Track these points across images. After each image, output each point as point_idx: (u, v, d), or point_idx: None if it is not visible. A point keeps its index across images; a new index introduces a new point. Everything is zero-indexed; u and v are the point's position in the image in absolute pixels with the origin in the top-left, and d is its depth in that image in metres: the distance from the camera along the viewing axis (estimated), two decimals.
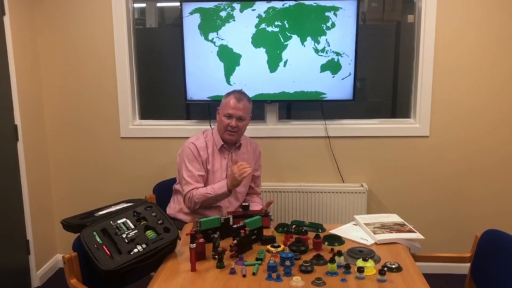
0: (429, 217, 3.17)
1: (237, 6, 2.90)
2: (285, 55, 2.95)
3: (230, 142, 2.47)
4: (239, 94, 2.42)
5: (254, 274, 1.71)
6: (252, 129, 3.00)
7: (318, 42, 2.93)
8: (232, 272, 1.73)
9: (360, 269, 1.67)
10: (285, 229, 2.09)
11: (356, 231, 2.12)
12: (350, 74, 2.96)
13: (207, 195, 2.33)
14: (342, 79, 2.97)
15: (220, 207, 2.46)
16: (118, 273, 1.73)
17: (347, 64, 2.95)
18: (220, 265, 1.77)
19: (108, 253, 1.79)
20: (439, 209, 3.16)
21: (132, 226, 1.93)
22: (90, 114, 3.18)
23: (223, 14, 2.92)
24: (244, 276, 1.70)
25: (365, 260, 1.73)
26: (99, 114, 3.18)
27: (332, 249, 1.88)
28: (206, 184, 2.44)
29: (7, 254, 2.80)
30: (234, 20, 2.92)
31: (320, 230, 2.13)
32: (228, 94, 2.44)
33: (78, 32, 3.08)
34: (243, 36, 2.94)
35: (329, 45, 2.93)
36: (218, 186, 2.33)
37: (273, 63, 2.97)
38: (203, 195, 2.34)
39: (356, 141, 3.11)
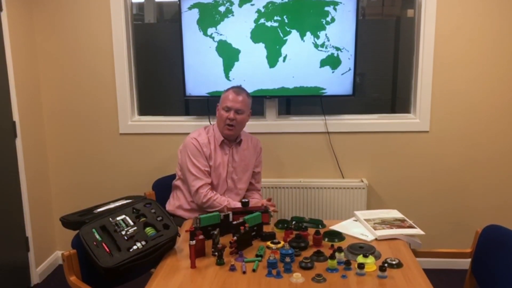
0: (429, 212, 3.17)
1: (235, 1, 2.88)
2: (284, 50, 2.94)
3: (230, 138, 2.47)
4: (238, 88, 2.45)
5: (254, 270, 1.71)
6: (252, 125, 2.99)
7: (318, 37, 2.91)
8: (232, 268, 1.72)
9: (361, 265, 1.66)
10: (285, 225, 2.09)
11: (356, 227, 2.12)
12: (349, 69, 2.95)
13: (227, 206, 2.34)
14: (342, 74, 2.96)
15: None
16: (117, 270, 1.73)
17: (347, 59, 2.93)
18: (220, 262, 1.77)
19: (108, 250, 1.78)
20: (440, 204, 3.16)
21: (132, 223, 1.92)
22: (88, 110, 3.17)
23: (221, 9, 2.90)
24: (244, 272, 1.70)
25: (365, 256, 1.72)
26: (98, 110, 3.17)
27: (332, 245, 1.87)
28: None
29: (6, 251, 2.80)
30: (233, 15, 2.91)
31: (320, 226, 2.13)
32: (227, 89, 2.45)
33: (76, 28, 3.06)
34: (242, 31, 2.93)
35: (328, 40, 2.91)
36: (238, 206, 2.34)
37: (273, 58, 2.96)
38: (223, 206, 2.35)
39: (356, 137, 3.10)
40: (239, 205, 2.35)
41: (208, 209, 2.38)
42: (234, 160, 2.50)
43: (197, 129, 2.52)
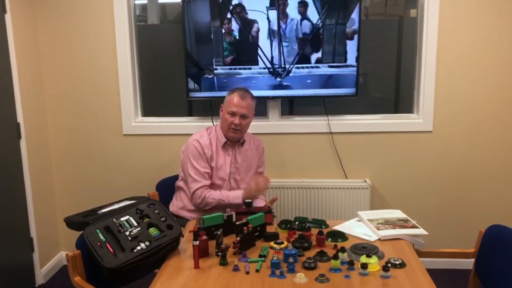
0: (432, 212, 3.16)
1: None
2: None
3: (233, 140, 2.47)
4: (243, 91, 2.42)
5: (257, 271, 1.71)
6: (255, 125, 2.99)
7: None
8: (235, 269, 1.73)
9: (364, 265, 1.67)
10: (288, 225, 2.09)
11: (359, 227, 2.12)
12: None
13: (221, 201, 2.35)
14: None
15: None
16: (121, 271, 1.73)
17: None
18: (223, 262, 1.77)
19: (111, 250, 1.79)
20: (443, 204, 3.15)
21: (135, 224, 1.93)
22: (92, 111, 3.18)
23: None
24: (247, 273, 1.70)
25: (368, 256, 1.72)
26: (101, 112, 3.18)
27: (335, 246, 1.87)
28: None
29: (11, 251, 2.81)
30: None
31: (323, 227, 2.13)
32: (232, 91, 2.43)
33: (79, 29, 3.08)
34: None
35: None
36: (233, 196, 2.35)
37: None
38: (217, 200, 2.36)
39: (359, 137, 3.10)
40: (235, 194, 2.35)
41: (205, 207, 2.38)
42: (237, 161, 2.50)
43: (199, 131, 2.52)
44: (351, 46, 2.90)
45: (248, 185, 2.43)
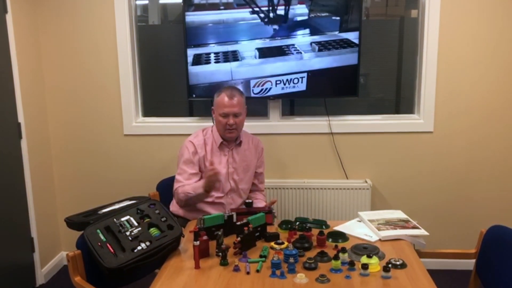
0: (433, 213, 3.16)
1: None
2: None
3: (231, 139, 2.47)
4: (230, 90, 2.41)
5: (257, 271, 1.71)
6: (255, 126, 3.00)
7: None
8: (236, 269, 1.73)
9: (364, 266, 1.66)
10: (289, 226, 2.09)
11: (360, 228, 2.12)
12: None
13: (188, 194, 2.32)
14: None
15: (223, 204, 2.46)
16: (121, 271, 1.73)
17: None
18: (224, 263, 1.77)
19: (112, 250, 1.79)
20: (444, 205, 3.15)
21: (136, 224, 1.93)
22: (93, 111, 3.18)
23: None
24: (248, 273, 1.70)
25: (369, 256, 1.72)
26: (102, 112, 3.18)
27: (336, 246, 1.87)
28: None
29: (11, 251, 2.81)
30: None
31: (324, 227, 2.13)
32: (219, 92, 2.41)
33: (80, 29, 3.08)
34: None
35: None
36: (197, 186, 2.31)
37: None
38: (185, 193, 2.34)
39: (360, 137, 3.10)
40: (197, 184, 2.31)
41: (180, 204, 2.39)
42: (235, 161, 2.50)
43: (196, 131, 2.53)
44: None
45: (205, 175, 2.33)
